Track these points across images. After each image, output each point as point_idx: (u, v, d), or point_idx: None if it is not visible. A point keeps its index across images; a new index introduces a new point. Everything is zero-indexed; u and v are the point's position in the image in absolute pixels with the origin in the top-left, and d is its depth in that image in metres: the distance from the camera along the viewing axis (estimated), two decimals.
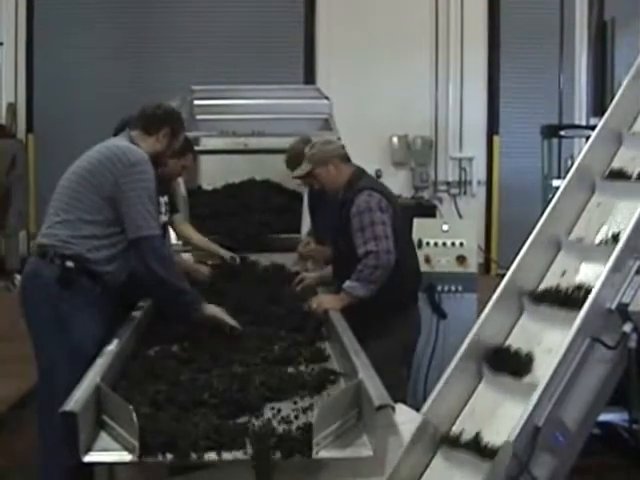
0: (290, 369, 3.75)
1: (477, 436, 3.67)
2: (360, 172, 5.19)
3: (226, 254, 6.06)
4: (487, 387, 3.95)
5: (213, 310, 4.29)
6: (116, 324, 4.20)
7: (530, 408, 3.40)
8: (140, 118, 4.66)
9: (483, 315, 4.11)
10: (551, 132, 8.62)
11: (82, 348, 3.88)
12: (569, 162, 8.63)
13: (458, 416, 3.88)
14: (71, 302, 4.11)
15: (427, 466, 3.74)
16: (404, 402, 3.85)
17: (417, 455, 3.68)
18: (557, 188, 4.82)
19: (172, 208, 5.90)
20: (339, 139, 5.27)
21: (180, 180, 6.54)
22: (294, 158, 6.04)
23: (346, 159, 5.20)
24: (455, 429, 3.82)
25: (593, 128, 4.95)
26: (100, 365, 3.43)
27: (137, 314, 4.46)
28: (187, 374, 3.59)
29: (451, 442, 3.74)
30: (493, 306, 4.14)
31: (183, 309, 4.24)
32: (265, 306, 4.84)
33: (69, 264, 4.14)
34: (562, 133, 8.55)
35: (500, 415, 3.76)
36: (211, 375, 3.57)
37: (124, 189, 4.21)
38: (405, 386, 5.21)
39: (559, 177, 8.11)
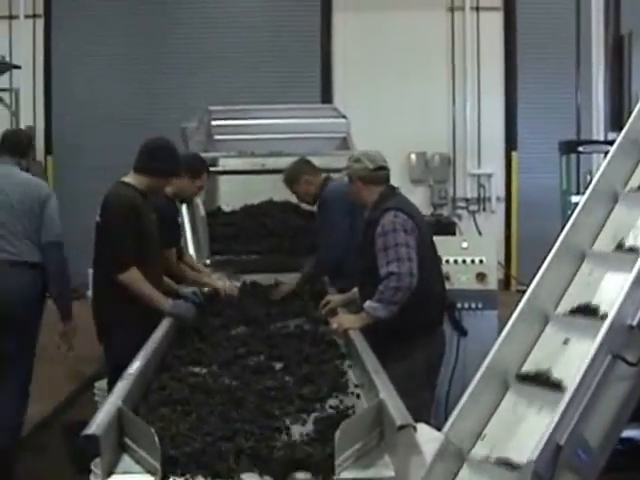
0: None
1: (501, 453, 3.66)
2: (389, 191, 5.18)
3: (223, 286, 5.94)
4: (511, 403, 3.94)
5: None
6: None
7: (552, 426, 3.38)
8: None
9: (505, 331, 4.10)
10: (569, 148, 8.59)
11: None
12: (588, 178, 8.61)
13: (481, 433, 3.87)
14: None
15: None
16: (427, 423, 3.85)
17: (440, 475, 3.67)
18: (576, 204, 4.80)
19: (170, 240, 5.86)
20: (384, 161, 5.23)
21: (199, 201, 6.59)
22: (290, 178, 6.30)
23: (372, 181, 5.15)
24: (479, 446, 3.81)
25: (611, 143, 4.93)
26: (121, 388, 3.44)
27: (158, 334, 4.49)
28: (209, 396, 3.61)
29: (474, 460, 3.73)
30: (514, 322, 4.12)
31: None
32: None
33: None
34: (580, 149, 8.52)
35: (524, 431, 3.75)
36: (235, 397, 3.59)
37: None
38: (429, 409, 5.19)
39: (578, 193, 8.08)
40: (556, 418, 3.41)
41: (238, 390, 3.57)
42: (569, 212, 6.28)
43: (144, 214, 5.06)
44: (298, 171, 6.42)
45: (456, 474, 3.74)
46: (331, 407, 3.51)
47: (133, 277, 4.93)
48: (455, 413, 3.84)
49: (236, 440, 3.02)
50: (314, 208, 6.62)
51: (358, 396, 3.76)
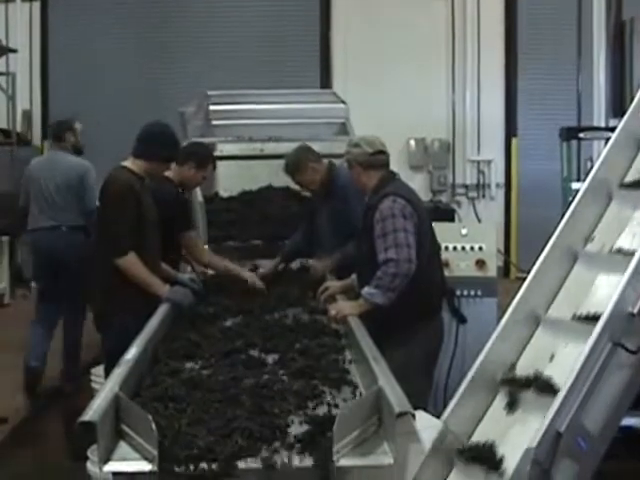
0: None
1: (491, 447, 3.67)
2: (388, 177, 5.15)
3: (251, 277, 5.77)
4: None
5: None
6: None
7: (552, 414, 3.39)
8: None
9: (503, 321, 4.11)
10: (570, 134, 8.56)
11: None
12: (589, 164, 8.59)
13: (479, 423, 3.88)
14: None
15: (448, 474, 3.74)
16: (425, 410, 3.85)
17: (437, 464, 3.68)
18: (577, 191, 4.80)
19: (187, 224, 5.88)
20: (383, 146, 5.17)
21: (197, 188, 6.56)
22: (294, 167, 6.16)
23: (371, 165, 5.11)
24: (475, 438, 3.82)
25: (612, 130, 4.93)
26: (118, 374, 3.43)
27: (155, 320, 4.48)
28: (207, 382, 3.59)
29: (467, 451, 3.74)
30: (511, 315, 4.14)
31: None
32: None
33: None
34: (581, 135, 8.49)
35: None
36: (231, 382, 3.57)
37: None
38: (427, 397, 5.19)
39: (579, 180, 8.06)
40: (556, 405, 3.41)
41: (231, 388, 3.46)
42: (570, 199, 6.28)
43: (142, 198, 5.05)
44: (303, 159, 6.16)
45: (454, 464, 3.76)
46: (329, 404, 3.41)
47: (130, 262, 4.93)
48: (454, 401, 3.85)
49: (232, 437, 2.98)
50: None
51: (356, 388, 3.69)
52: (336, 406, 3.35)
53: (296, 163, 6.18)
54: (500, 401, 3.95)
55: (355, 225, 5.40)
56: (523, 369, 4.01)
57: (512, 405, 3.86)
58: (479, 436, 3.83)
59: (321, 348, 4.13)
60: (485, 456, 3.64)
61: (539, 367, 3.94)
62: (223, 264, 5.86)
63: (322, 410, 3.30)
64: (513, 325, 4.15)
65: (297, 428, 3.09)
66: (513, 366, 4.06)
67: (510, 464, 3.50)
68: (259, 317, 4.86)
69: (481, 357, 4.02)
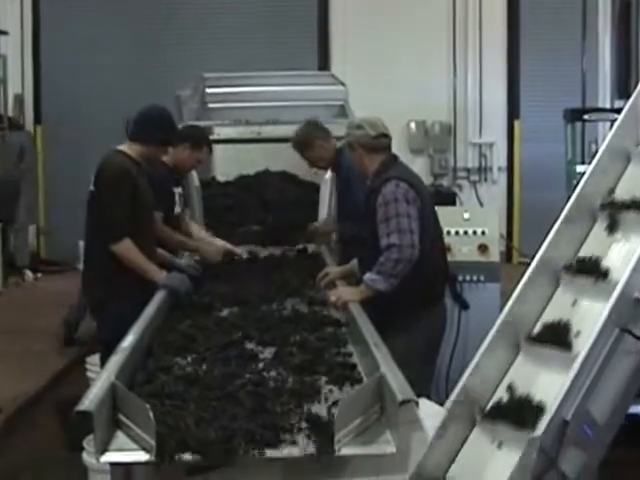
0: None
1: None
2: (390, 160, 5.13)
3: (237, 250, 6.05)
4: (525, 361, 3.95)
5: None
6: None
7: (558, 401, 3.38)
8: None
9: (517, 290, 4.09)
10: (574, 116, 8.54)
11: None
12: (593, 147, 8.57)
13: (495, 390, 3.87)
14: None
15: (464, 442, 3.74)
16: (427, 397, 3.84)
17: (455, 429, 3.68)
18: (582, 174, 4.78)
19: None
20: (386, 129, 5.15)
21: (193, 172, 6.55)
22: (302, 143, 6.18)
23: (373, 148, 5.09)
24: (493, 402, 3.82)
25: (618, 111, 4.89)
26: (115, 362, 3.42)
27: (151, 308, 4.47)
28: (203, 378, 3.56)
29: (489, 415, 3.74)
30: (527, 280, 4.11)
31: None
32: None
33: None
34: (586, 117, 8.47)
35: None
36: (228, 371, 3.56)
37: None
38: (430, 384, 5.19)
39: (583, 162, 8.05)
40: (562, 393, 3.41)
41: (228, 384, 3.36)
42: (574, 182, 6.26)
43: (139, 183, 5.04)
44: (311, 135, 6.25)
45: (471, 430, 3.75)
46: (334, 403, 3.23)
47: (126, 247, 4.92)
48: (470, 369, 3.85)
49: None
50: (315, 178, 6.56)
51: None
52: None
53: (304, 139, 6.27)
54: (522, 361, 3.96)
55: (356, 208, 5.41)
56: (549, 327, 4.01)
57: None
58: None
59: (321, 341, 4.07)
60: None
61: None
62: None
63: (322, 408, 3.22)
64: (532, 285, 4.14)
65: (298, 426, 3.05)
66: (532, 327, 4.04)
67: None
68: (256, 307, 4.79)
69: (500, 318, 4.01)
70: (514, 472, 3.38)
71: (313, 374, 3.59)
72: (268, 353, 3.92)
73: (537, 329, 4.02)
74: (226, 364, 3.69)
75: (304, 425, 2.99)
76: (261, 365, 3.72)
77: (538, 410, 3.56)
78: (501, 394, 3.83)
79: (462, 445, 3.74)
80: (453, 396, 3.76)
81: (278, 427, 2.95)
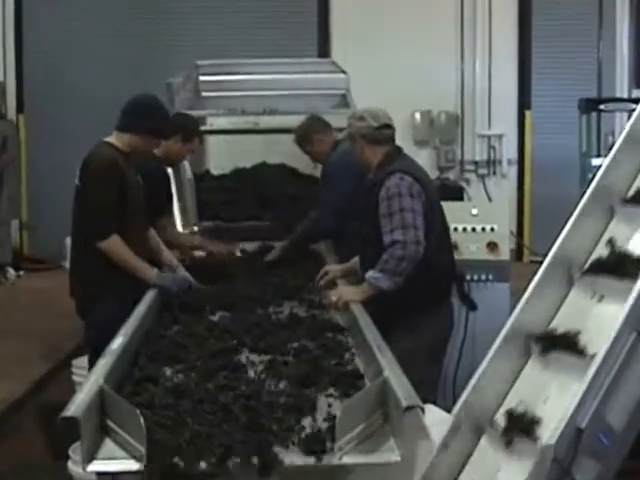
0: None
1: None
2: (394, 152, 5.12)
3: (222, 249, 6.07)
4: (535, 367, 3.95)
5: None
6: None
7: (572, 408, 3.38)
8: None
9: (528, 292, 4.09)
10: (590, 106, 8.57)
11: None
12: (610, 139, 8.57)
13: (503, 400, 3.88)
14: None
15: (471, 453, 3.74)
16: (434, 403, 3.84)
17: (461, 440, 3.68)
18: (597, 167, 4.78)
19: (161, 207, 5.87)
20: (389, 119, 5.15)
21: (186, 163, 6.55)
22: (301, 137, 6.24)
23: (376, 140, 5.08)
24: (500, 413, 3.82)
25: (636, 101, 4.90)
26: (103, 365, 3.41)
27: (142, 308, 4.46)
28: (196, 377, 3.56)
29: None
30: (537, 283, 4.12)
31: None
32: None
33: None
34: (602, 107, 8.49)
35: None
36: (221, 382, 3.50)
37: None
38: (435, 389, 5.19)
39: (599, 155, 8.06)
40: (577, 399, 3.41)
41: (221, 398, 3.25)
42: (589, 176, 6.26)
43: (127, 176, 5.02)
44: (308, 129, 6.35)
45: (478, 441, 3.76)
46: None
47: (114, 244, 4.90)
48: (473, 380, 3.85)
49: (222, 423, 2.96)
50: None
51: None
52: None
53: (301, 133, 6.40)
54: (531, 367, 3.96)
55: (321, 204, 5.58)
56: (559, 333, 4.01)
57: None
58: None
59: (321, 349, 4.00)
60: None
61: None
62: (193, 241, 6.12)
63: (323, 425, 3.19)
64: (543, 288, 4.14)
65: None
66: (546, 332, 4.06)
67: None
68: (251, 311, 4.74)
69: (507, 325, 4.02)
70: None
71: (312, 386, 3.50)
72: (262, 363, 3.82)
73: (548, 332, 4.03)
74: (218, 375, 3.59)
75: (303, 436, 2.97)
76: (255, 376, 3.63)
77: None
78: (510, 404, 3.84)
79: (469, 456, 3.76)
80: (456, 407, 3.77)
81: (275, 442, 2.91)
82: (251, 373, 3.67)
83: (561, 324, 4.06)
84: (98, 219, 4.93)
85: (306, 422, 3.09)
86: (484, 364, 3.92)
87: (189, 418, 3.04)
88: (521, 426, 3.64)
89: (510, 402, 3.87)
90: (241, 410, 3.13)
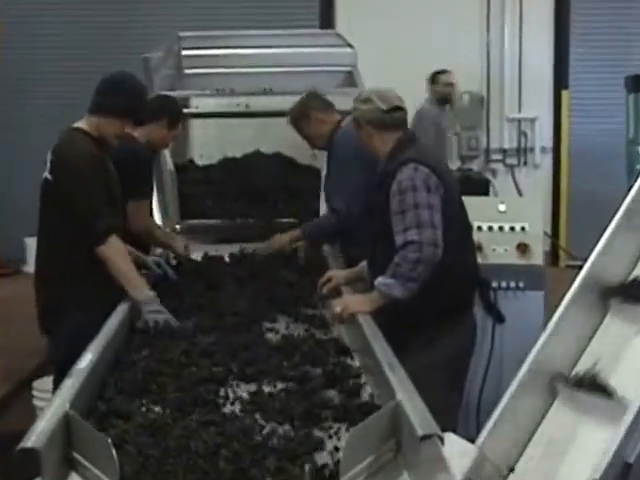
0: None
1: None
2: (407, 139, 5.12)
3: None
4: (562, 408, 3.95)
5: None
6: None
7: (617, 441, 3.38)
8: None
9: (556, 316, 4.10)
10: (638, 85, 8.56)
11: None
12: None
13: (526, 447, 3.88)
14: None
15: None
16: (454, 431, 3.84)
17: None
18: None
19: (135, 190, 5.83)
20: (400, 101, 5.14)
21: (166, 152, 6.57)
22: (297, 116, 6.22)
23: (385, 126, 5.08)
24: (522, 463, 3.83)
25: None
26: (69, 387, 3.41)
27: (114, 322, 4.46)
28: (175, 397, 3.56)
29: None
30: (568, 305, 4.12)
31: None
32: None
33: None
34: None
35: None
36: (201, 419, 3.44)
37: None
38: (456, 414, 5.19)
39: None
40: (623, 430, 3.40)
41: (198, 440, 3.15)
42: (638, 167, 6.25)
43: (108, 167, 5.04)
44: (305, 107, 6.32)
45: None
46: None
47: (116, 249, 4.87)
48: (493, 419, 3.85)
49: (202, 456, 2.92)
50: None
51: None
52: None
53: (298, 112, 6.37)
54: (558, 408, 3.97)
55: (339, 189, 5.50)
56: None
57: None
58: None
59: (322, 378, 3.92)
60: None
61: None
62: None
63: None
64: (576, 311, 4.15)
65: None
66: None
67: None
68: (238, 331, 4.64)
69: (532, 355, 4.03)
70: None
71: (314, 424, 3.43)
72: (249, 394, 3.74)
73: (578, 369, 4.04)
74: (195, 410, 3.50)
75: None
76: (241, 411, 3.54)
77: None
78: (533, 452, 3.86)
79: None
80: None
81: None
82: (235, 408, 3.60)
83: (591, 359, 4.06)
84: (92, 220, 4.84)
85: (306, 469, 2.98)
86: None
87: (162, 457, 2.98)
88: None
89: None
90: (225, 459, 3.01)
